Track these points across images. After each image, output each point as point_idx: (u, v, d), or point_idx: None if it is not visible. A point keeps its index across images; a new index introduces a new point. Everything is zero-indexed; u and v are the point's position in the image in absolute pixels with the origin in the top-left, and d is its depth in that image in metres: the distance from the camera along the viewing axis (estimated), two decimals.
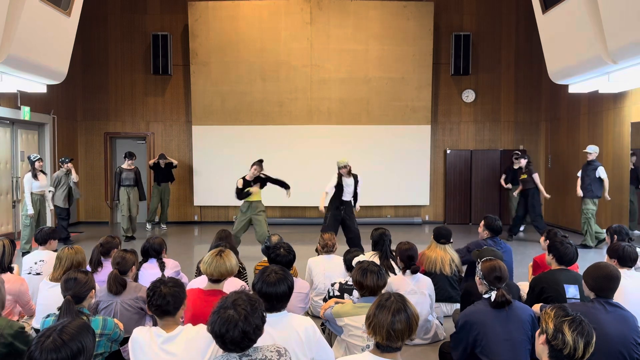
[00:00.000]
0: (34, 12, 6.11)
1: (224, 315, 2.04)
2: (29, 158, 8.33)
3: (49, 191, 8.53)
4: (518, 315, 3.02)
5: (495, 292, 3.02)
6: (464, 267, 5.33)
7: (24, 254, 7.33)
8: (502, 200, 11.72)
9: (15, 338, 2.68)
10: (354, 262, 3.97)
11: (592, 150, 8.60)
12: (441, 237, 5.06)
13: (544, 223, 9.29)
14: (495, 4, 11.73)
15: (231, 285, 3.76)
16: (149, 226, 11.05)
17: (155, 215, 11.10)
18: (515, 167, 9.93)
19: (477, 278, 3.29)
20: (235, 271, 3.43)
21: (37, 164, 8.16)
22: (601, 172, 8.45)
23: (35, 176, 8.12)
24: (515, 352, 2.95)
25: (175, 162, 11.02)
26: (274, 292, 2.65)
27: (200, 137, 11.39)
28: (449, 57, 11.60)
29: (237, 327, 2.02)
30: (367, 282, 3.20)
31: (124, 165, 9.79)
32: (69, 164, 9.07)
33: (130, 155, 9.83)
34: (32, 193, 8.07)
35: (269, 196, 11.54)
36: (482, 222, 5.32)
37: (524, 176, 9.40)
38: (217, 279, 3.29)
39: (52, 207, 8.70)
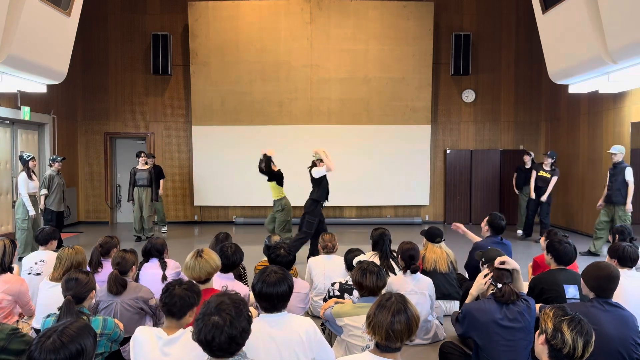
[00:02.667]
0: (34, 12, 6.11)
1: (209, 322, 2.00)
2: (21, 157, 7.82)
3: (42, 194, 8.09)
4: (519, 308, 3.05)
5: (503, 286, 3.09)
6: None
7: (20, 258, 7.09)
8: (503, 200, 11.72)
9: (7, 341, 2.67)
10: (354, 262, 3.97)
11: (617, 151, 7.82)
12: (435, 236, 5.07)
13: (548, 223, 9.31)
14: (495, 4, 11.73)
15: (234, 287, 3.76)
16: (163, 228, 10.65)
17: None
18: (527, 166, 9.97)
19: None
20: (220, 265, 3.42)
21: (31, 163, 7.72)
22: (628, 174, 7.67)
23: (29, 176, 7.69)
24: (517, 352, 2.97)
25: (163, 177, 10.50)
26: (274, 292, 2.64)
27: (200, 137, 11.39)
28: (449, 57, 11.60)
29: (223, 332, 1.98)
30: (366, 282, 3.21)
31: (138, 165, 9.67)
32: (60, 164, 8.42)
33: (139, 154, 9.71)
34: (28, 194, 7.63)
35: (269, 195, 11.57)
36: (486, 219, 5.24)
37: (548, 175, 9.28)
38: (206, 279, 3.29)
39: (43, 209, 8.11)
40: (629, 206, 7.63)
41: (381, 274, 3.24)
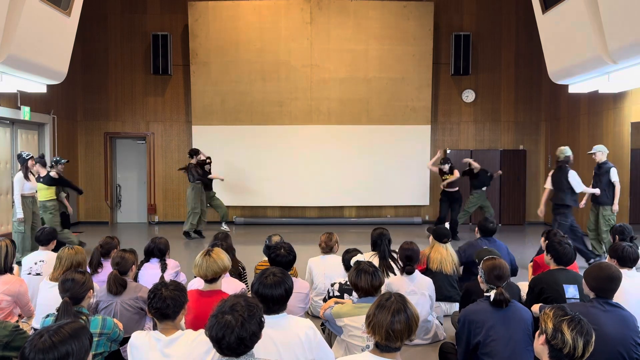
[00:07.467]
0: (34, 12, 6.11)
1: (222, 320, 2.04)
2: (19, 156, 7.49)
3: (64, 197, 7.96)
4: (519, 315, 3.03)
5: (495, 290, 3.04)
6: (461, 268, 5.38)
7: (18, 262, 6.70)
8: (502, 199, 11.73)
9: (11, 337, 2.69)
10: (351, 262, 3.97)
11: (597, 150, 7.51)
12: (443, 236, 5.08)
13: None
14: (495, 4, 11.73)
15: (229, 284, 3.75)
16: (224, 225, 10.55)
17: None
18: (476, 171, 9.99)
19: (479, 277, 3.32)
20: (229, 266, 3.42)
21: (29, 163, 7.41)
22: (613, 174, 7.34)
23: (26, 176, 7.36)
24: (516, 351, 2.96)
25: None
26: (270, 294, 2.65)
27: (200, 137, 11.38)
28: (449, 57, 11.59)
29: (233, 332, 2.02)
30: (361, 283, 3.20)
31: (192, 161, 9.77)
32: (63, 166, 8.22)
33: (192, 153, 9.83)
34: (23, 195, 7.27)
35: (269, 195, 11.61)
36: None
37: (450, 176, 9.65)
38: (212, 278, 3.29)
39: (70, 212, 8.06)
40: (616, 207, 7.41)
41: (376, 274, 3.23)
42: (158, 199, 11.83)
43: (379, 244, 4.98)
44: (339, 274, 4.82)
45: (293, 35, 11.21)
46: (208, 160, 10.19)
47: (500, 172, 10.68)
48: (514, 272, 5.06)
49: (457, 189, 9.76)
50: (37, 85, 7.32)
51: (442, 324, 4.70)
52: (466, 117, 11.87)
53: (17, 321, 3.99)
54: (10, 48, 5.80)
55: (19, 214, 7.24)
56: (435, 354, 3.85)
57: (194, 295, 3.27)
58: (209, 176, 10.08)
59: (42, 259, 4.68)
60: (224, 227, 10.49)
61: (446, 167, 9.68)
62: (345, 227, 11.23)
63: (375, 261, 4.84)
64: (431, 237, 5.19)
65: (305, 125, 11.40)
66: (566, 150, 7.50)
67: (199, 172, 9.74)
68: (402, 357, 2.28)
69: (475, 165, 9.85)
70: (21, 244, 7.20)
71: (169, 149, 11.77)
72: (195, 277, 4.47)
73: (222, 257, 3.33)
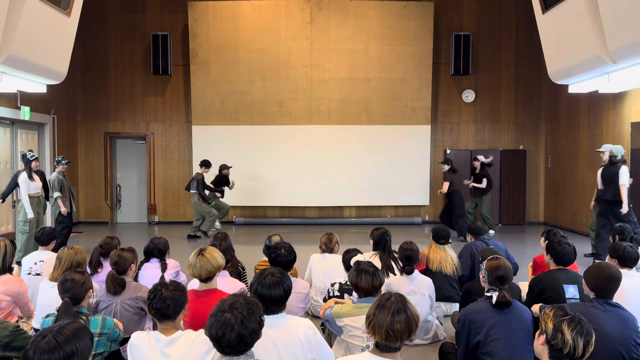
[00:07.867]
0: (34, 12, 6.11)
1: (221, 318, 2.04)
2: (24, 156, 7.46)
3: (57, 196, 7.72)
4: (519, 315, 3.03)
5: (497, 292, 3.03)
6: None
7: (18, 262, 6.09)
8: (502, 199, 11.72)
9: (11, 338, 2.70)
10: (352, 262, 3.97)
11: (607, 149, 7.40)
12: (441, 237, 5.09)
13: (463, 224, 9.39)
14: (495, 4, 11.73)
15: (229, 284, 3.75)
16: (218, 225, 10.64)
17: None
18: (477, 171, 10.02)
19: (480, 275, 3.31)
20: (223, 264, 3.42)
21: (33, 164, 7.43)
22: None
23: (31, 177, 7.37)
24: (516, 351, 2.96)
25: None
26: (268, 294, 2.64)
27: (200, 137, 11.39)
28: (449, 57, 11.59)
29: (233, 330, 2.01)
30: (361, 283, 3.20)
31: (199, 171, 9.91)
32: (65, 166, 8.05)
33: (202, 164, 9.91)
34: (29, 195, 7.28)
35: (269, 195, 11.60)
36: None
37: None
38: (207, 277, 3.29)
39: (66, 212, 7.77)
40: (625, 207, 7.19)
41: (377, 274, 3.23)
42: (158, 199, 11.83)
43: (382, 244, 4.98)
44: (339, 274, 4.82)
45: (293, 35, 11.21)
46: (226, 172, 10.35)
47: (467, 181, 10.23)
48: (514, 270, 5.06)
49: (454, 189, 9.60)
50: (37, 85, 7.32)
51: (442, 324, 4.70)
52: (466, 117, 11.87)
53: (17, 321, 3.99)
54: (10, 48, 5.79)
55: (30, 214, 7.26)
56: (435, 354, 3.85)
57: (189, 295, 3.27)
58: (229, 185, 10.34)
59: (42, 259, 4.68)
60: (218, 225, 10.57)
61: (445, 167, 9.60)
62: (345, 227, 11.24)
63: (376, 261, 4.83)
64: (430, 238, 5.21)
65: (305, 125, 11.40)
66: (621, 149, 7.37)
67: (203, 187, 9.79)
68: (402, 357, 2.28)
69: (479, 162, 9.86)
70: (26, 244, 7.21)
71: (168, 149, 11.77)
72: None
73: (215, 255, 3.33)
